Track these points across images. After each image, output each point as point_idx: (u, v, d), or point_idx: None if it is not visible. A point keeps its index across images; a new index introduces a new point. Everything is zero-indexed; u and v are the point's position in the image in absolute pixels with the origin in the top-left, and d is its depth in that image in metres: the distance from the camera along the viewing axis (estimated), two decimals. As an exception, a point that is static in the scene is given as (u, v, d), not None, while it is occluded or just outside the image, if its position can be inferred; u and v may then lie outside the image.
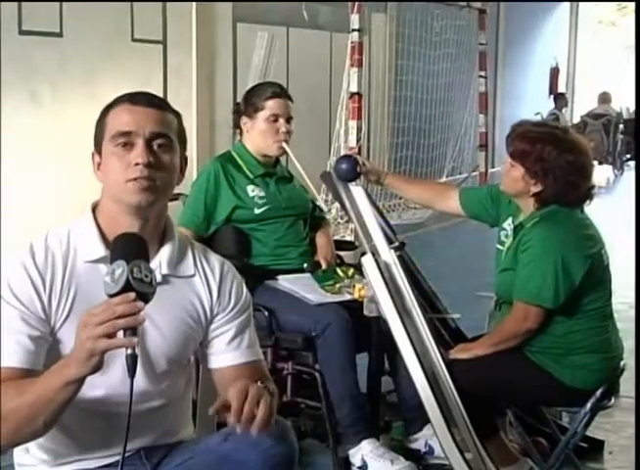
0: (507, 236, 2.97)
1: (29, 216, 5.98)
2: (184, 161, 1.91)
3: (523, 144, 2.85)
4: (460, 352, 2.88)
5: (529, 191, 2.85)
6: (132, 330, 1.57)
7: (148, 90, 1.94)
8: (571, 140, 2.86)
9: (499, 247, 3.01)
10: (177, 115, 1.91)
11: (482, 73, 10.18)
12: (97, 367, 1.60)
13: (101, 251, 1.83)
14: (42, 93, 6.18)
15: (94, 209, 1.90)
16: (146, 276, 1.59)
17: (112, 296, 1.58)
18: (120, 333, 1.57)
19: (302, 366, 3.20)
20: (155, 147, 1.81)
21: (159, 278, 1.82)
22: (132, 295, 1.57)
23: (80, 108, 6.30)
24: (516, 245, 2.87)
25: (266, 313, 3.16)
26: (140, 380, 1.65)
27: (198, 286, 1.93)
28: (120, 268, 1.58)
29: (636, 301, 2.76)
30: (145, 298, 1.59)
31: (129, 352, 1.57)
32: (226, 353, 1.95)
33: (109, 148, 1.83)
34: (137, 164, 1.78)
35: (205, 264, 1.95)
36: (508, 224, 2.99)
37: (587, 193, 2.89)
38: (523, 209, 2.94)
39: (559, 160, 2.79)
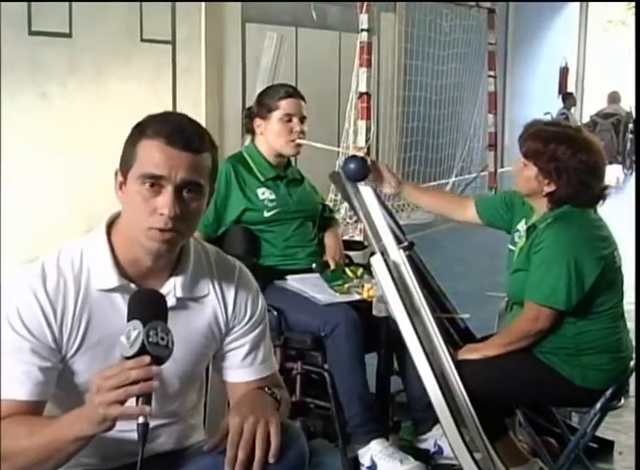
0: (520, 237, 2.96)
1: (40, 217, 6.00)
2: (211, 193, 1.82)
3: (536, 144, 2.84)
4: (469, 353, 2.87)
5: (542, 191, 2.84)
6: (146, 397, 1.54)
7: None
8: (584, 139, 2.85)
9: (511, 247, 3.00)
10: (213, 149, 1.79)
11: (492, 73, 10.17)
12: (109, 428, 1.58)
13: (114, 280, 1.76)
14: (51, 93, 6.20)
15: (109, 225, 1.82)
16: (162, 339, 1.55)
17: (127, 358, 1.55)
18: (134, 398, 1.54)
19: (311, 366, 3.19)
20: (184, 193, 1.71)
21: (173, 301, 1.79)
22: (147, 359, 1.53)
23: (89, 108, 6.31)
24: (528, 246, 2.86)
25: (275, 313, 3.15)
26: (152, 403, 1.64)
27: (213, 304, 1.88)
28: (136, 331, 1.54)
29: (636, 300, 2.75)
30: (160, 360, 1.56)
31: (141, 420, 1.54)
32: (240, 369, 1.92)
33: (135, 184, 1.72)
34: (162, 215, 1.70)
35: (222, 278, 1.90)
36: (521, 226, 2.98)
37: (600, 193, 2.87)
38: (536, 209, 2.93)
39: (572, 159, 2.78)
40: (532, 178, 2.85)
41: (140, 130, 1.74)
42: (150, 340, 1.54)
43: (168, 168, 1.69)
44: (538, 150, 2.83)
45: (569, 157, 2.78)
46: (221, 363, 1.94)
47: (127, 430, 1.72)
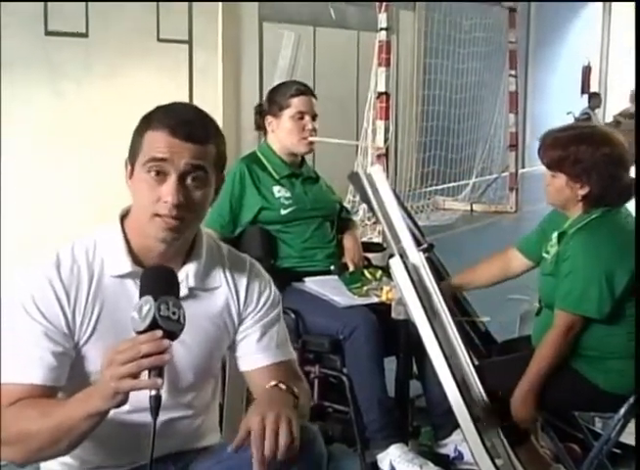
0: (551, 245, 2.94)
1: (53, 215, 6.03)
2: (220, 181, 1.85)
3: (556, 151, 2.83)
4: (521, 398, 2.78)
5: (577, 196, 2.82)
6: (158, 370, 1.55)
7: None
8: (602, 134, 2.85)
9: (545, 256, 2.97)
10: (219, 139, 1.82)
11: (512, 72, 10.13)
12: (121, 404, 1.59)
13: (127, 266, 1.80)
14: (66, 92, 6.23)
15: (123, 217, 1.86)
16: (173, 313, 1.57)
17: (138, 333, 1.57)
18: (145, 372, 1.55)
19: (330, 370, 3.19)
20: (188, 181, 1.75)
21: (185, 292, 1.81)
22: (159, 333, 1.55)
23: (104, 107, 6.34)
24: (557, 252, 2.85)
25: (293, 316, 3.15)
26: (165, 394, 1.64)
27: (225, 295, 1.91)
28: (148, 305, 1.56)
29: (636, 301, 2.73)
30: (172, 335, 1.57)
31: (153, 393, 1.55)
32: (256, 354, 1.93)
33: (141, 172, 1.77)
34: (166, 202, 1.73)
35: (234, 270, 1.93)
36: (554, 235, 2.96)
37: (629, 186, 2.85)
38: (570, 216, 2.91)
39: (596, 155, 2.77)
40: (564, 186, 2.83)
41: (146, 121, 1.79)
42: (161, 314, 1.56)
43: (171, 154, 1.73)
44: (560, 157, 2.82)
45: (592, 154, 2.77)
46: (236, 353, 1.95)
47: (140, 423, 1.75)
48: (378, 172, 3.24)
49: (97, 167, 6.15)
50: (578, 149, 2.79)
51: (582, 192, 2.81)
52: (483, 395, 2.77)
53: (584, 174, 2.79)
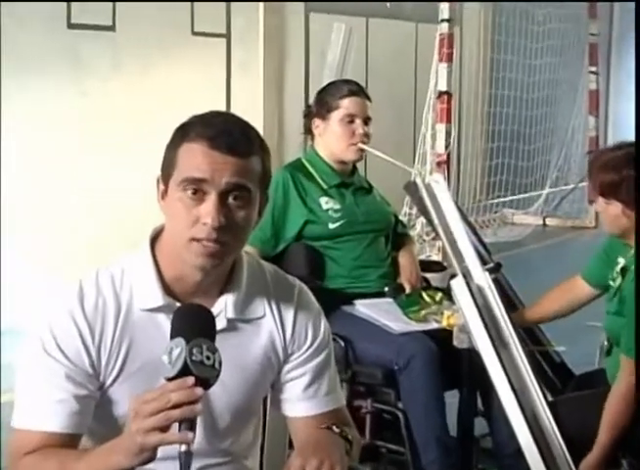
0: (617, 273, 2.93)
1: (75, 219, 6.12)
2: (265, 200, 1.85)
3: (609, 176, 2.82)
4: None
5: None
6: (189, 422, 1.54)
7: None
8: None
9: (611, 284, 2.96)
10: (263, 153, 1.81)
11: (593, 69, 10.08)
12: (148, 461, 1.59)
13: (159, 299, 1.79)
14: (93, 91, 6.32)
15: (153, 240, 1.85)
16: (207, 358, 1.55)
17: (168, 379, 1.56)
18: (175, 424, 1.54)
19: (383, 404, 3.20)
20: (230, 200, 1.74)
21: (223, 324, 1.81)
22: (190, 380, 1.53)
23: (133, 107, 6.42)
24: (622, 289, 2.85)
25: (342, 343, 3.17)
26: (199, 439, 1.64)
27: (269, 326, 1.89)
28: (178, 348, 1.55)
29: (636, 302, 2.71)
30: (206, 383, 1.56)
31: (183, 448, 1.53)
32: (301, 402, 1.92)
33: (176, 191, 1.75)
34: (205, 224, 1.72)
35: (279, 298, 1.91)
36: (620, 259, 2.94)
37: None
38: (632, 245, 2.89)
39: None
40: (620, 215, 2.83)
41: (182, 133, 1.78)
42: (193, 359, 1.54)
43: (211, 172, 1.72)
44: (614, 182, 2.81)
45: None
46: (280, 395, 1.94)
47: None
48: (438, 182, 3.24)
49: (125, 170, 6.23)
50: (634, 172, 2.76)
51: None
52: (558, 435, 2.75)
53: None
